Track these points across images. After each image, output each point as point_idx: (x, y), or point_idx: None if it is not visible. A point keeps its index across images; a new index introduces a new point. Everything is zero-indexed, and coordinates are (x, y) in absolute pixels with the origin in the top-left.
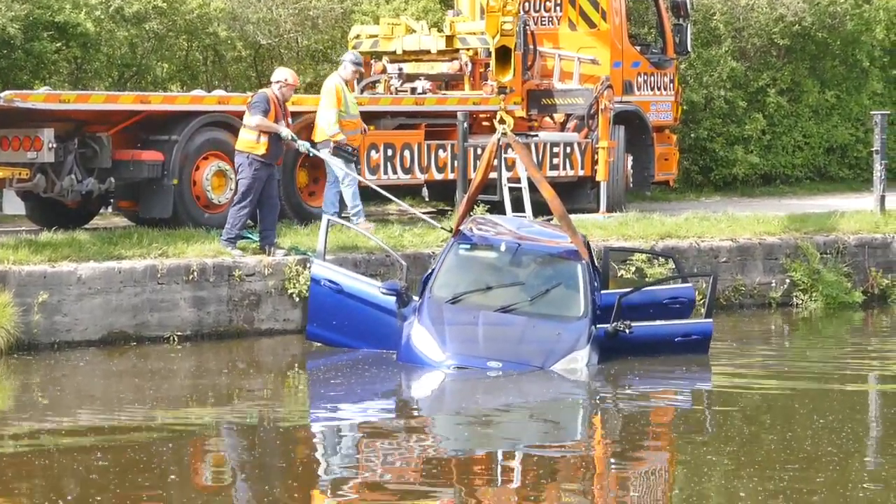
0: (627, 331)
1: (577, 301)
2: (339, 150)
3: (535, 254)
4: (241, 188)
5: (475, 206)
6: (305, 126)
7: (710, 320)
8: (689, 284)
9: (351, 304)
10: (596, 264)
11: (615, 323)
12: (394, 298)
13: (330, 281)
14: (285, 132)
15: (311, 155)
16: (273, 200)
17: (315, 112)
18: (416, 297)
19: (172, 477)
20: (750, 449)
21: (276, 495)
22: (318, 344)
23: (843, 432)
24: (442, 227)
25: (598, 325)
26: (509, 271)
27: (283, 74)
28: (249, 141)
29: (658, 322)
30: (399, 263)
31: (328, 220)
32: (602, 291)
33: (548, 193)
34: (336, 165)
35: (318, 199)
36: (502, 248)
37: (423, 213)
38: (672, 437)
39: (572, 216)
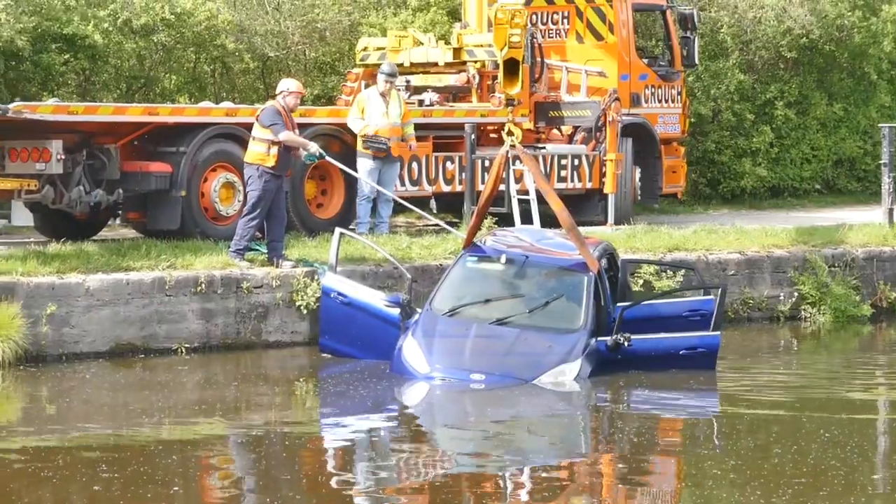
0: (626, 343)
1: (577, 313)
2: (369, 142)
3: (542, 266)
4: (250, 200)
5: (484, 219)
6: (312, 137)
7: (717, 333)
8: (711, 296)
9: (359, 316)
10: (619, 274)
11: (616, 336)
12: (397, 311)
13: (339, 293)
14: (314, 147)
15: (323, 160)
16: (281, 212)
17: (324, 124)
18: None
19: (178, 489)
20: (756, 463)
21: None
22: (328, 355)
23: (849, 446)
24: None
25: (598, 339)
26: (513, 283)
27: (285, 84)
28: (259, 153)
29: (662, 335)
30: (405, 276)
31: (340, 232)
32: (620, 304)
33: (556, 205)
34: (362, 180)
35: (326, 211)
36: (502, 259)
37: (435, 225)
38: (677, 451)
39: (580, 229)
